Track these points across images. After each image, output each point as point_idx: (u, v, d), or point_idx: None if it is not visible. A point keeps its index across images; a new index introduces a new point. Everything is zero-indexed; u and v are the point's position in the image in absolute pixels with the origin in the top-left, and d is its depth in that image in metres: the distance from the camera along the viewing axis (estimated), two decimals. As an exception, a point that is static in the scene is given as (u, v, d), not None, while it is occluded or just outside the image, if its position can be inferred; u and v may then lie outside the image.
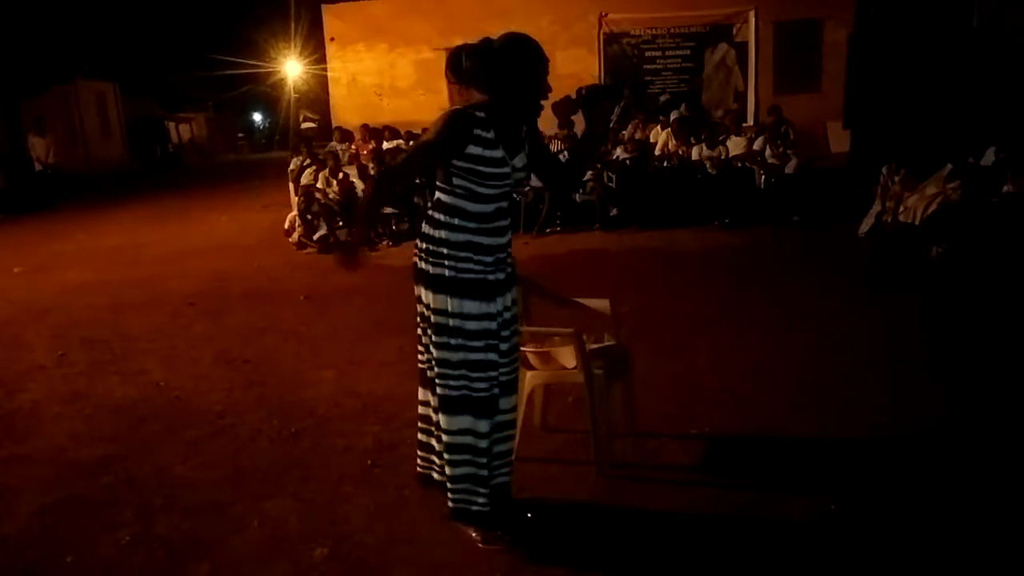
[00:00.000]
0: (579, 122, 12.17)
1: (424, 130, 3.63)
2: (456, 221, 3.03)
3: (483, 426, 3.13)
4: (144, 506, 3.72)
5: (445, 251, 3.03)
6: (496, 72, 3.00)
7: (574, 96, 3.21)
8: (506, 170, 3.02)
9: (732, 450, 4.08)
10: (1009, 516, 3.33)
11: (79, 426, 4.77)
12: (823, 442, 4.11)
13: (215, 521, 3.55)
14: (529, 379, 3.85)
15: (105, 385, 5.48)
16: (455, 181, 3.02)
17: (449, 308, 3.04)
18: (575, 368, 3.74)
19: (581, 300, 4.12)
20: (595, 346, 3.92)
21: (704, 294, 7.22)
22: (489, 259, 3.07)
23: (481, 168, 2.97)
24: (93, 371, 5.79)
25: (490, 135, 2.98)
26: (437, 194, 3.10)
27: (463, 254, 3.02)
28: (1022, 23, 12.59)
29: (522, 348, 3.85)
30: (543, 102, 3.10)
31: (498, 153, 2.99)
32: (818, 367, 5.17)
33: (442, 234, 3.04)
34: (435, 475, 3.39)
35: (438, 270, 3.05)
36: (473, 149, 2.95)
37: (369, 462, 4.03)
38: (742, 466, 3.92)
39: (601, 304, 4.12)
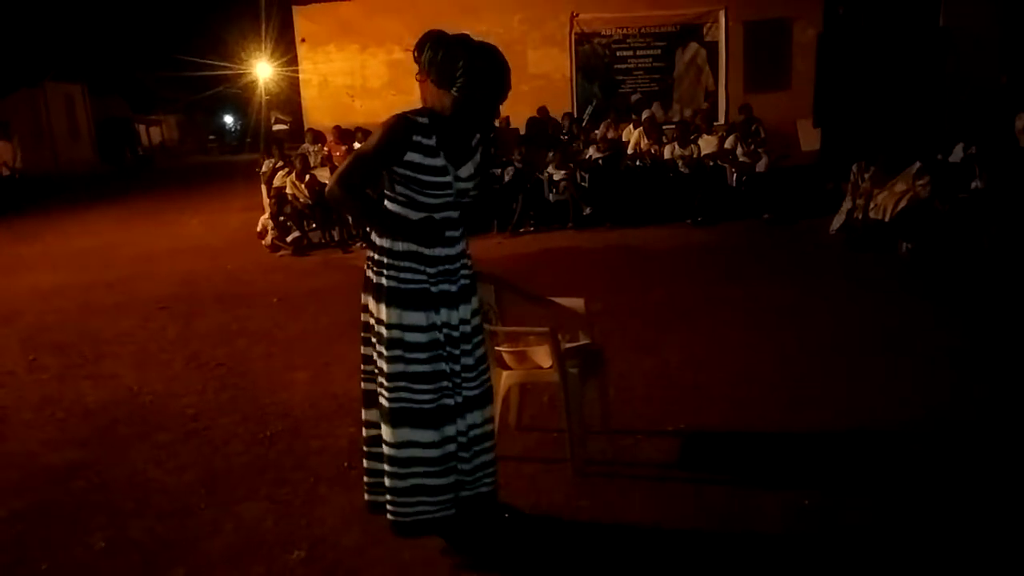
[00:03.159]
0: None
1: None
2: None
3: (428, 436, 3.01)
4: (117, 511, 3.69)
5: (386, 260, 2.96)
6: (458, 69, 2.87)
7: (522, 132, 3.18)
8: (447, 179, 2.93)
9: (706, 446, 4.11)
10: (984, 509, 3.37)
11: (50, 431, 4.71)
12: (796, 437, 4.14)
13: (189, 525, 3.53)
14: (504, 378, 3.86)
15: (76, 389, 5.42)
16: (397, 188, 2.94)
17: (389, 319, 2.97)
18: (550, 367, 3.75)
19: (555, 299, 4.13)
20: (570, 345, 3.93)
21: (677, 292, 7.25)
22: (432, 270, 2.98)
23: (420, 176, 2.89)
24: (64, 375, 5.73)
25: (431, 142, 2.89)
26: (385, 200, 3.02)
27: (404, 263, 2.95)
28: (988, 22, 12.76)
29: (497, 348, 3.87)
30: (490, 123, 3.04)
31: (439, 161, 2.90)
32: (791, 363, 5.22)
33: (385, 242, 2.98)
34: (388, 512, 3.18)
35: (379, 279, 2.99)
36: (412, 156, 2.86)
37: (345, 464, 4.01)
38: (717, 462, 3.94)
39: (575, 303, 4.13)
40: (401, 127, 2.88)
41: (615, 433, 4.17)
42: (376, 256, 3.00)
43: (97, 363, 5.98)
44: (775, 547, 3.17)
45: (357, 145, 13.18)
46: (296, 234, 10.61)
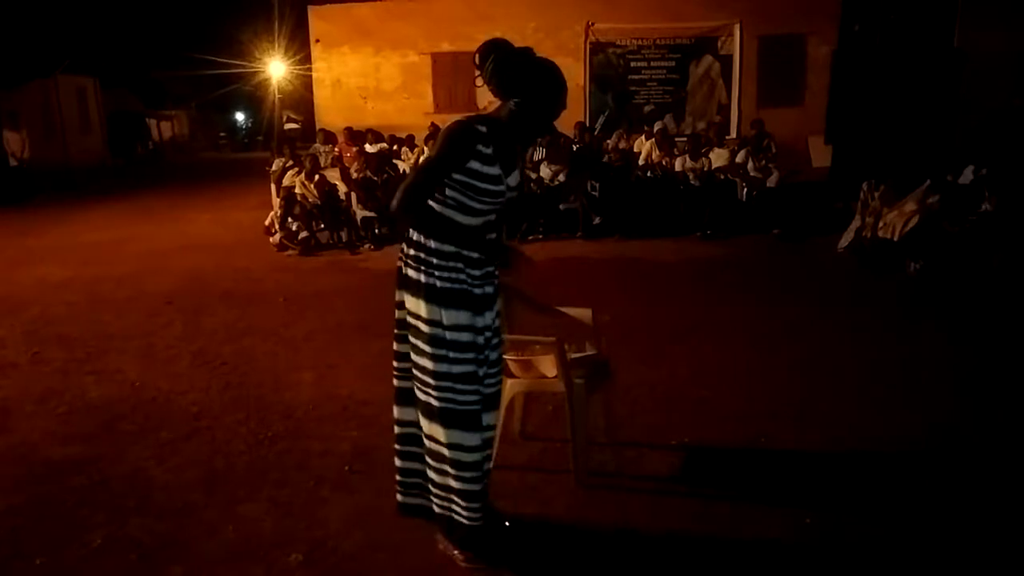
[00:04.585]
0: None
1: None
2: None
3: (471, 439, 3.04)
4: (117, 507, 3.67)
5: (434, 260, 2.98)
6: (521, 83, 2.95)
7: (574, 148, 3.24)
8: (501, 188, 2.99)
9: (710, 461, 4.09)
10: (987, 531, 3.35)
11: (52, 425, 4.70)
12: (801, 454, 4.12)
13: (189, 524, 3.51)
14: (509, 387, 3.84)
15: (80, 384, 5.41)
16: (448, 192, 2.97)
17: (435, 317, 2.98)
18: (556, 377, 3.74)
19: (563, 309, 4.11)
20: (576, 355, 3.92)
21: (684, 304, 7.24)
22: (477, 272, 3.03)
23: (477, 183, 2.93)
24: (68, 369, 5.72)
25: (489, 151, 2.93)
26: (428, 201, 3.04)
27: (452, 263, 2.98)
28: (1002, 45, 12.75)
29: (503, 356, 3.85)
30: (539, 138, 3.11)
31: (495, 170, 2.95)
32: (797, 379, 5.19)
33: (431, 243, 2.99)
34: (435, 505, 3.21)
35: (425, 278, 2.99)
36: (473, 164, 2.91)
37: (347, 467, 4.00)
38: (720, 477, 3.92)
39: (583, 313, 4.11)
40: (467, 135, 2.92)
41: (619, 445, 4.16)
42: (423, 255, 3.00)
43: (102, 358, 5.98)
44: (776, 564, 3.15)
45: (368, 147, 13.23)
46: (304, 234, 10.60)
